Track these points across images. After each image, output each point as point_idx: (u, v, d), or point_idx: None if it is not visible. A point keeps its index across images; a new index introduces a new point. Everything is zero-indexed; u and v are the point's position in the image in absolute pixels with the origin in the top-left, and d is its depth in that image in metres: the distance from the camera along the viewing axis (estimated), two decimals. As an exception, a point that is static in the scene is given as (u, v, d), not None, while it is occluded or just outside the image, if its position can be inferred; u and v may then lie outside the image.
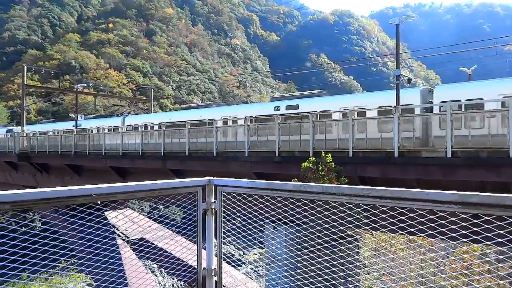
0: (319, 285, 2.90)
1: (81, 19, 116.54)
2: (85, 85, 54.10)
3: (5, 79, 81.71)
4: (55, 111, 71.73)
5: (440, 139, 12.69)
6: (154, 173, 20.92)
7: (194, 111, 30.20)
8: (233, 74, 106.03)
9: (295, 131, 16.25)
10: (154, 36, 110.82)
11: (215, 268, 2.98)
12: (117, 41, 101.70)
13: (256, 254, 13.21)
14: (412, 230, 2.54)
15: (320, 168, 12.17)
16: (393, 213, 2.37)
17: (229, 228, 3.07)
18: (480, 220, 2.02)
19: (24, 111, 40.24)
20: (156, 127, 26.86)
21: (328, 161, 12.24)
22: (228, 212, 2.99)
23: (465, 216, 2.10)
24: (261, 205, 2.97)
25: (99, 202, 2.54)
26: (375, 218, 2.66)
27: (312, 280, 2.94)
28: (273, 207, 3.00)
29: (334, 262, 3.04)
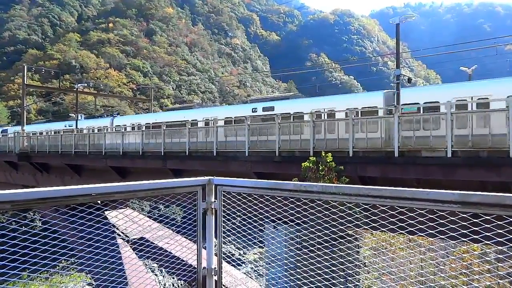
0: (319, 284, 2.90)
1: (81, 18, 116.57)
2: (85, 84, 54.27)
3: (5, 79, 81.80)
4: (55, 111, 71.69)
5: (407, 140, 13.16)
6: (154, 173, 20.94)
7: (177, 112, 31.53)
8: (233, 74, 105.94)
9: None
10: (154, 35, 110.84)
11: (215, 268, 2.98)
12: (117, 41, 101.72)
13: (256, 253, 13.22)
14: (412, 229, 2.53)
15: (320, 168, 12.16)
16: (393, 213, 2.37)
17: (229, 228, 3.07)
18: (480, 219, 2.02)
19: (25, 111, 40.22)
20: (141, 128, 27.29)
21: (328, 160, 12.23)
22: (228, 212, 2.99)
23: (465, 215, 2.10)
24: (261, 205, 2.97)
25: (99, 202, 2.54)
26: (375, 218, 2.66)
27: (312, 279, 2.94)
28: (273, 206, 3.00)
29: (334, 262, 3.04)
